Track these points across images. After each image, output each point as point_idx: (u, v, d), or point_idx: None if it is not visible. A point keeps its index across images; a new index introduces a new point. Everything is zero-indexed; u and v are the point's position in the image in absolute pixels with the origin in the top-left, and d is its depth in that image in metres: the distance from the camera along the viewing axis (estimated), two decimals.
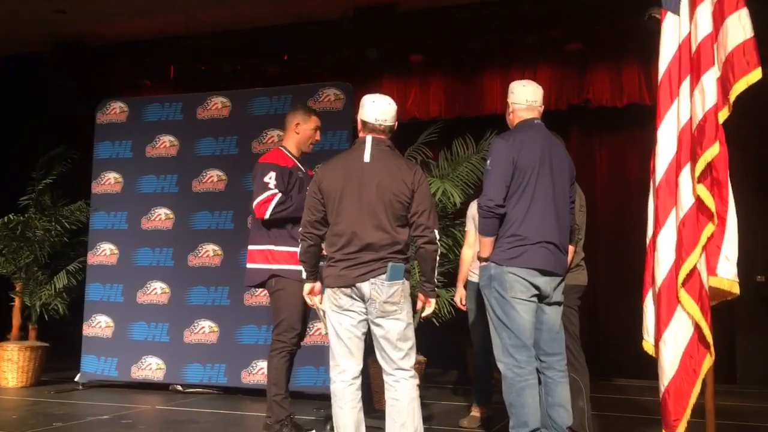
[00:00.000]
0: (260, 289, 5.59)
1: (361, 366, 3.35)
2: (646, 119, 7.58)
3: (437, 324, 5.28)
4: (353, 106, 6.01)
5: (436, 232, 3.32)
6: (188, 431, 4.52)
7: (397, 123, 3.43)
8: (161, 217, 6.14)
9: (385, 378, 3.31)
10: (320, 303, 3.50)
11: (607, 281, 7.26)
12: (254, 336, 5.77)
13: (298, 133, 4.30)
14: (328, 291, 3.35)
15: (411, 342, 3.31)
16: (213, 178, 6.05)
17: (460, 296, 4.74)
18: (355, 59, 7.89)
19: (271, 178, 4.14)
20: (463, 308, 4.69)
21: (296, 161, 4.29)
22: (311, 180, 4.29)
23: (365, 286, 3.23)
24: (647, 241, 2.82)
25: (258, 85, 7.72)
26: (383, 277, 3.22)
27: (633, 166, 7.72)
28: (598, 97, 7.45)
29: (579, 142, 7.73)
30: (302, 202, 4.03)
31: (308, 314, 4.26)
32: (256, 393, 5.62)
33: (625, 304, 6.91)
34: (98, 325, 6.17)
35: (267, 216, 4.10)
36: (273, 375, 4.07)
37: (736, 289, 2.53)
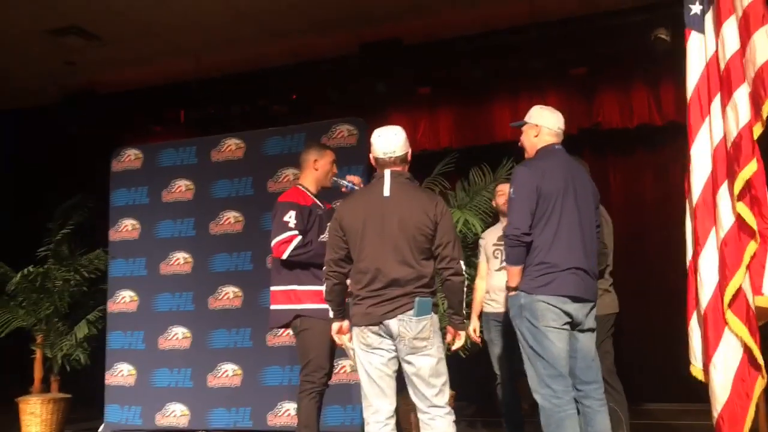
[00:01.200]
0: (282, 330, 5.58)
1: (394, 405, 3.29)
2: (656, 139, 7.62)
3: (463, 356, 5.20)
4: (367, 140, 6.02)
5: (462, 263, 3.28)
6: None
7: (409, 150, 3.41)
8: (180, 261, 6.12)
9: (420, 416, 3.24)
10: (349, 341, 3.45)
11: (625, 303, 7.17)
12: (278, 377, 5.71)
13: (317, 169, 4.29)
14: (355, 330, 3.31)
15: (444, 377, 3.26)
16: (230, 220, 6.04)
17: (473, 328, 4.65)
18: (362, 95, 7.93)
19: (291, 217, 4.11)
20: (477, 340, 4.61)
21: (315, 198, 4.27)
22: (330, 215, 4.30)
23: (393, 323, 3.19)
24: (687, 263, 2.77)
25: (268, 124, 7.74)
26: (411, 312, 3.18)
27: (647, 187, 7.68)
28: (608, 120, 7.44)
29: (591, 165, 7.65)
30: (321, 248, 3.99)
31: (335, 352, 4.21)
32: None
33: (645, 327, 6.82)
34: (120, 374, 6.12)
35: (285, 256, 4.06)
36: (303, 417, 4.00)
37: None
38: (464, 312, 3.37)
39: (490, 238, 4.66)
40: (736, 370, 2.49)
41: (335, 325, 3.46)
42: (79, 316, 6.41)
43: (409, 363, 3.21)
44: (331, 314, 3.47)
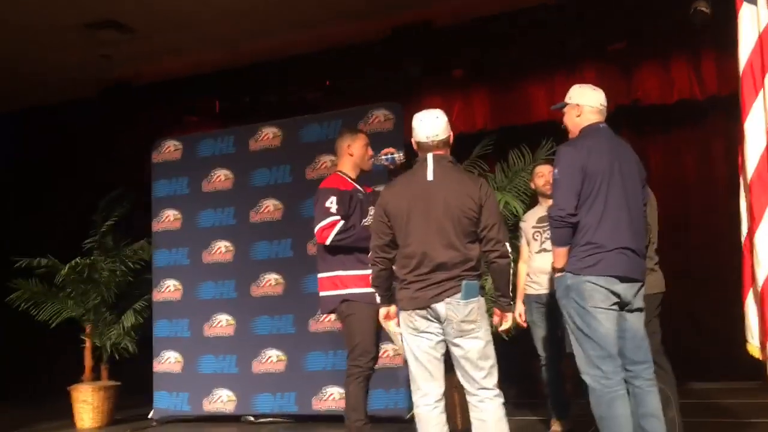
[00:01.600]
0: (324, 315, 5.63)
1: (443, 388, 3.31)
2: (696, 115, 7.48)
3: (506, 338, 5.20)
4: (403, 125, 6.01)
5: (507, 245, 3.27)
6: None
7: (451, 134, 3.40)
8: (221, 249, 6.20)
9: (469, 399, 3.26)
10: (396, 326, 3.46)
11: (669, 282, 7.08)
12: (321, 362, 5.76)
13: (352, 154, 4.30)
14: (403, 314, 3.32)
15: (492, 360, 3.26)
16: (269, 208, 6.09)
17: (518, 311, 4.63)
18: (395, 79, 7.90)
19: (332, 203, 4.13)
20: (523, 323, 4.59)
21: (355, 183, 4.29)
22: (371, 199, 4.31)
23: (441, 307, 3.20)
24: (742, 240, 2.73)
25: (302, 111, 7.76)
26: (458, 296, 3.19)
27: (687, 163, 7.55)
28: (647, 95, 7.30)
29: (630, 143, 7.57)
30: (364, 232, 4.03)
31: (380, 336, 4.24)
32: (328, 419, 5.61)
33: (689, 306, 6.73)
34: (167, 361, 6.23)
35: (328, 242, 4.09)
36: (352, 401, 4.04)
37: None
38: (510, 294, 3.36)
39: (530, 221, 4.64)
40: None
41: (383, 310, 3.48)
42: (126, 305, 6.54)
43: (457, 346, 3.22)
44: (378, 299, 3.48)
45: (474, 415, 3.23)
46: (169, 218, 6.43)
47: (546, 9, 7.10)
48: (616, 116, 7.28)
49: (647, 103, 7.26)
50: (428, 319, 3.24)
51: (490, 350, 3.26)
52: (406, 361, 5.45)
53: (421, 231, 3.23)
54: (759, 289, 2.54)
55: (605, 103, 3.62)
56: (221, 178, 6.30)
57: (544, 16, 7.13)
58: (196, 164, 6.40)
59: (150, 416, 6.18)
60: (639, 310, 3.47)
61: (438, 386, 3.29)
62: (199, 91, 8.36)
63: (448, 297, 3.18)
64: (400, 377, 5.50)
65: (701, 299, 6.75)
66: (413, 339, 3.29)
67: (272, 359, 5.90)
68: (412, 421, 5.34)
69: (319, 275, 4.24)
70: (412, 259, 3.25)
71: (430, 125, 3.32)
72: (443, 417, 3.28)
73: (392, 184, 3.43)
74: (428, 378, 3.28)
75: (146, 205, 7.23)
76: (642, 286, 3.47)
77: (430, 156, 3.31)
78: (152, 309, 6.42)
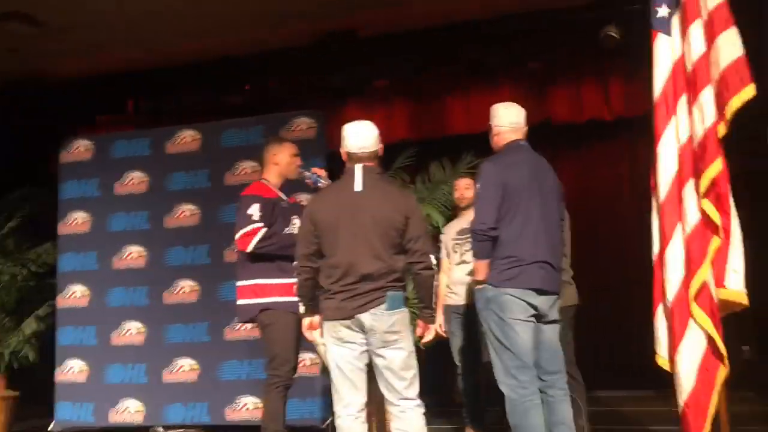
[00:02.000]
0: (240, 324, 5.55)
1: (365, 398, 3.32)
2: (605, 133, 7.83)
3: (422, 348, 5.26)
4: (326, 134, 6.02)
5: (432, 257, 3.33)
6: None
7: (381, 146, 3.43)
8: (133, 255, 6.00)
9: (390, 409, 3.28)
10: (320, 336, 3.45)
11: (582, 295, 7.36)
12: (236, 371, 5.66)
13: (277, 163, 4.27)
14: (327, 324, 3.32)
15: (414, 370, 3.30)
16: (186, 213, 5.95)
17: (438, 322, 4.70)
18: (318, 87, 7.90)
19: (254, 210, 4.08)
20: (443, 334, 4.67)
21: (279, 192, 4.26)
22: (295, 209, 4.28)
23: (365, 317, 3.21)
24: (654, 258, 2.88)
25: (221, 115, 7.64)
26: (383, 306, 3.21)
27: (597, 181, 7.90)
28: (558, 114, 7.59)
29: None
30: (287, 240, 4.01)
31: (300, 346, 4.21)
32: (241, 429, 5.51)
33: (593, 318, 7.02)
34: (71, 371, 5.97)
35: (250, 249, 4.04)
36: (271, 411, 3.99)
37: (744, 300, 2.60)
38: (434, 306, 3.41)
39: (450, 233, 4.73)
40: (700, 360, 2.61)
41: (306, 320, 3.47)
42: (27, 311, 6.22)
43: (380, 356, 3.24)
44: (301, 309, 3.47)
45: (395, 425, 3.25)
46: (76, 221, 6.17)
47: (467, 26, 7.28)
48: (530, 133, 7.61)
49: (559, 121, 7.55)
50: (352, 330, 3.25)
51: (413, 361, 3.30)
52: (323, 371, 5.48)
53: (348, 241, 3.24)
54: (669, 306, 2.68)
55: (521, 121, 3.74)
56: (135, 180, 6.11)
57: (465, 33, 7.32)
58: (108, 165, 6.18)
59: (51, 428, 5.89)
60: (554, 321, 3.60)
61: (360, 396, 3.29)
62: (113, 90, 8.08)
63: (372, 308, 3.20)
64: (316, 387, 5.47)
65: (612, 312, 7.05)
66: (337, 349, 3.29)
67: (184, 368, 5.75)
68: (327, 430, 5.36)
69: (239, 283, 4.17)
70: (338, 269, 3.26)
71: (362, 137, 3.34)
72: (365, 427, 3.29)
73: (320, 193, 3.43)
74: (351, 388, 3.28)
75: (53, 206, 6.93)
76: (557, 298, 3.60)
77: (359, 167, 3.33)
78: (56, 315, 6.13)
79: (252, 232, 4.03)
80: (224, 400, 5.62)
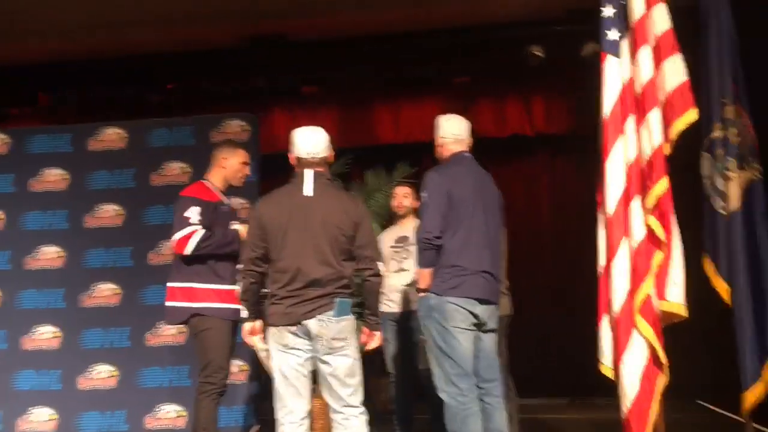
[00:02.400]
0: (164, 327, 5.41)
1: (309, 406, 3.30)
2: (527, 148, 8.11)
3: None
4: (258, 137, 5.94)
5: (380, 264, 3.35)
6: None
7: (332, 153, 3.44)
8: (50, 255, 5.72)
9: (333, 416, 3.28)
10: (261, 342, 3.41)
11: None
12: (158, 378, 5.48)
13: (225, 167, 4.21)
14: (272, 329, 3.29)
15: (359, 377, 3.31)
16: (109, 213, 5.72)
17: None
18: (244, 89, 7.80)
19: (192, 213, 4.00)
20: (381, 342, 4.70)
21: (221, 195, 4.18)
22: (233, 215, 4.22)
23: (312, 323, 3.20)
24: (599, 270, 3.01)
25: (140, 113, 7.41)
26: (331, 313, 3.21)
27: (517, 195, 8.13)
28: (483, 129, 7.78)
29: None
30: (225, 238, 3.97)
31: (233, 352, 4.15)
32: None
33: (517, 328, 7.24)
34: None
35: (187, 252, 3.95)
36: (203, 418, 3.91)
37: (684, 312, 2.76)
38: (379, 314, 3.44)
39: (388, 241, 4.77)
40: (643, 369, 2.75)
41: (248, 325, 3.42)
42: None
43: (325, 363, 3.24)
44: (244, 314, 3.42)
45: None
46: None
47: (397, 38, 7.37)
48: None
49: (483, 135, 7.75)
50: (298, 336, 3.23)
51: (358, 368, 3.31)
52: (251, 378, 5.40)
53: (297, 246, 3.23)
54: (614, 316, 2.81)
55: (463, 133, 3.84)
56: (54, 177, 5.83)
57: (396, 45, 7.40)
58: (24, 161, 5.85)
59: None
60: (492, 330, 3.70)
61: (304, 404, 3.27)
62: (24, 81, 7.71)
63: (320, 314, 3.20)
64: (240, 394, 5.39)
65: (531, 319, 7.24)
66: (281, 356, 3.26)
67: (102, 374, 5.52)
68: None
69: (170, 284, 4.07)
70: (286, 273, 3.23)
71: (312, 142, 3.34)
72: None
73: (269, 196, 3.39)
74: (295, 395, 3.25)
75: None
76: (496, 307, 3.70)
77: (309, 172, 3.32)
78: None
79: (188, 236, 3.95)
80: (144, 407, 5.43)
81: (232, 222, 4.16)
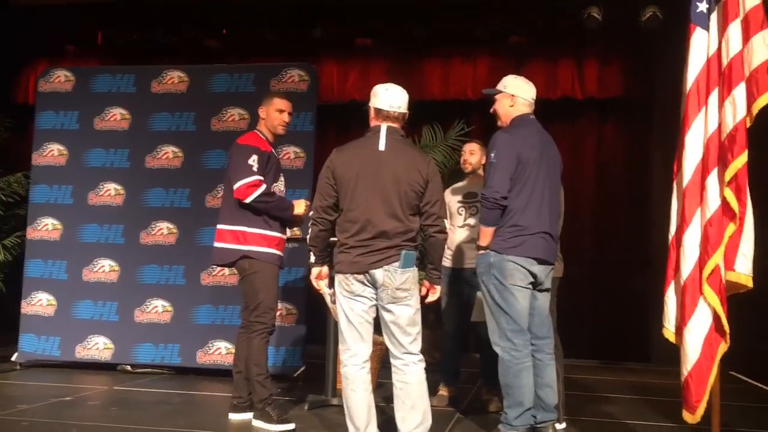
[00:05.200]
0: (219, 269, 5.59)
1: (371, 350, 3.45)
2: (576, 111, 8.08)
3: None
4: (317, 87, 6.03)
5: (446, 221, 3.45)
6: (163, 412, 4.45)
7: (408, 113, 3.51)
8: (111, 192, 5.92)
9: (394, 362, 3.41)
10: (327, 287, 3.56)
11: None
12: (210, 316, 5.71)
13: (264, 117, 4.29)
14: (339, 276, 3.41)
15: (419, 327, 3.43)
16: (168, 155, 5.89)
17: None
18: (298, 39, 7.84)
19: (254, 161, 4.10)
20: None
21: (270, 147, 4.28)
22: (280, 168, 4.32)
23: (378, 273, 3.32)
24: (670, 238, 3.09)
25: (198, 57, 7.53)
26: (396, 264, 3.32)
27: (563, 157, 8.15)
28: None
29: None
30: (282, 203, 4.12)
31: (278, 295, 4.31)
32: (209, 373, 5.59)
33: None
34: (39, 303, 5.90)
35: (249, 200, 4.05)
36: (255, 356, 4.08)
37: (750, 283, 2.84)
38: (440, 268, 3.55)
39: (455, 196, 4.84)
40: (705, 335, 2.85)
41: (315, 270, 3.55)
42: None
43: (388, 311, 3.37)
44: (312, 259, 3.55)
45: (397, 377, 3.39)
46: (52, 153, 6.03)
47: None
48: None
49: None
50: (364, 284, 3.36)
51: (418, 318, 3.43)
52: (298, 321, 5.59)
53: (367, 198, 3.33)
54: (682, 282, 2.90)
55: (534, 96, 3.90)
56: (117, 117, 5.99)
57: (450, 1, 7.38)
58: (89, 99, 6.03)
59: (14, 358, 5.83)
60: (547, 290, 3.81)
61: (366, 348, 3.42)
62: (82, 20, 7.84)
63: (387, 264, 3.31)
64: (288, 336, 5.59)
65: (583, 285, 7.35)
66: (347, 301, 3.39)
67: (158, 309, 5.76)
68: (300, 379, 5.50)
69: (221, 226, 4.19)
70: (355, 224, 3.34)
71: (397, 96, 3.43)
72: (369, 377, 3.42)
73: (343, 148, 3.48)
74: (358, 339, 3.40)
75: (24, 134, 6.74)
76: (552, 268, 3.80)
77: (384, 127, 3.40)
78: (25, 247, 6.02)
79: (255, 184, 4.05)
80: (196, 343, 5.67)
81: (281, 174, 4.29)
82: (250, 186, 4.05)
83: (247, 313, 4.19)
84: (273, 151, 4.28)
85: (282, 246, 4.22)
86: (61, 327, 5.84)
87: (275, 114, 4.27)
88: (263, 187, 4.05)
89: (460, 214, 4.76)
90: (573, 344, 6.93)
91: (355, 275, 3.35)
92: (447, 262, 4.68)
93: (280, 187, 4.29)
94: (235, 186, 4.09)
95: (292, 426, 4.04)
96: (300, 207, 4.21)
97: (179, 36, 7.91)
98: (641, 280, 7.26)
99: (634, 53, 7.68)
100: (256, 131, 4.30)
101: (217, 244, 4.20)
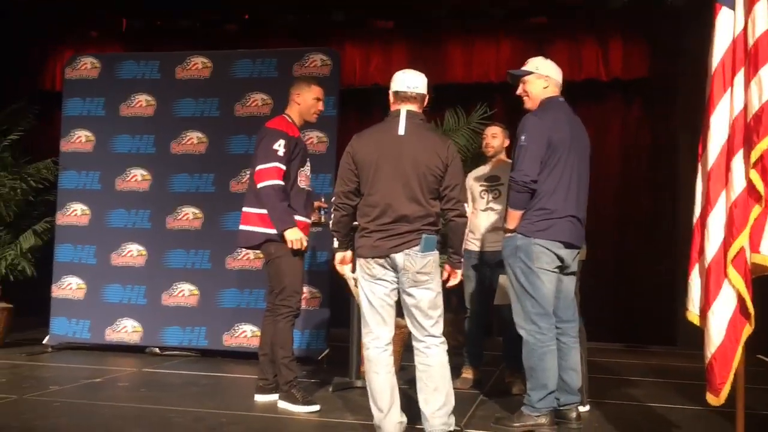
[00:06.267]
0: (244, 253, 5.66)
1: (393, 332, 3.47)
2: (600, 92, 7.99)
3: None
4: (340, 72, 6.04)
5: (466, 206, 3.46)
6: (191, 394, 4.53)
7: (428, 97, 3.50)
8: (137, 178, 6.00)
9: (416, 345, 3.44)
10: (351, 271, 3.59)
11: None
12: (236, 299, 5.78)
13: (299, 103, 4.29)
14: (361, 260, 3.44)
15: (440, 310, 3.45)
16: (193, 140, 5.95)
17: None
18: (318, 23, 7.85)
19: (280, 146, 4.11)
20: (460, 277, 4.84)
21: (298, 132, 4.30)
22: (307, 153, 4.34)
23: (399, 257, 3.34)
24: (694, 220, 3.07)
25: (220, 42, 7.57)
26: (417, 248, 3.33)
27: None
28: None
29: None
30: (283, 214, 4.06)
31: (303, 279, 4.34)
32: (236, 356, 5.67)
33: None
34: (68, 287, 6.02)
35: (259, 186, 4.07)
36: (281, 338, 4.14)
37: None
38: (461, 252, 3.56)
39: (477, 179, 4.83)
40: (730, 318, 2.83)
41: (339, 255, 3.57)
42: (24, 226, 6.20)
43: (410, 295, 3.39)
44: (335, 244, 3.58)
45: (419, 360, 3.42)
46: (80, 139, 6.12)
47: None
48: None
49: None
50: (385, 268, 3.38)
51: (440, 301, 3.45)
52: (322, 304, 5.64)
53: (387, 182, 3.34)
54: (706, 265, 2.88)
55: (561, 79, 3.88)
56: (142, 103, 6.05)
57: None
58: (114, 86, 6.11)
59: (45, 341, 5.97)
60: (573, 273, 3.81)
61: (389, 331, 3.45)
62: (105, 6, 7.91)
63: (407, 248, 3.33)
64: (312, 319, 5.64)
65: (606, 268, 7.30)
66: (369, 285, 3.42)
67: (184, 293, 5.84)
68: (324, 362, 5.56)
69: (247, 209, 4.21)
70: (376, 208, 3.36)
71: (413, 77, 3.43)
72: (391, 359, 3.45)
73: (362, 134, 3.49)
74: (380, 322, 3.43)
75: (51, 120, 6.83)
76: (579, 252, 3.79)
77: (403, 111, 3.41)
78: (55, 232, 6.14)
79: (273, 171, 4.05)
80: (222, 326, 5.76)
81: (308, 159, 4.31)
82: (268, 172, 4.05)
83: (273, 296, 4.23)
84: (300, 135, 4.30)
85: (307, 230, 4.24)
86: (90, 310, 5.96)
87: (313, 102, 4.29)
88: (278, 182, 4.07)
89: (483, 198, 4.76)
90: (597, 327, 6.99)
91: (376, 259, 3.37)
92: (470, 245, 4.69)
93: (306, 172, 4.32)
94: (256, 168, 4.12)
95: (317, 407, 4.09)
96: (295, 235, 4.05)
97: (199, 20, 7.99)
98: (667, 262, 7.20)
99: (659, 33, 7.57)
100: (284, 115, 4.31)
101: (242, 227, 4.24)
